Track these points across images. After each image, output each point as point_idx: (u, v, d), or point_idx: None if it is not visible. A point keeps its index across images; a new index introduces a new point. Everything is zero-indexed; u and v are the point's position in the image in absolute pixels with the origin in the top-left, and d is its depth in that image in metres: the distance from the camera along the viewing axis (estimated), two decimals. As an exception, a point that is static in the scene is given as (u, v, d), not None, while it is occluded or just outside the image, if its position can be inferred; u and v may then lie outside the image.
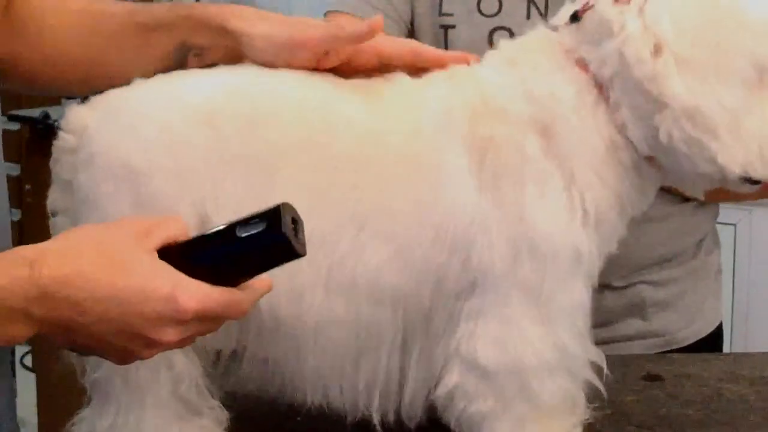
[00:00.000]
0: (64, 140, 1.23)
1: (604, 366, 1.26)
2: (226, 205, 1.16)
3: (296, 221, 1.04)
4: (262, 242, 1.02)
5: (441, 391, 1.21)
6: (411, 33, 1.68)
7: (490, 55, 1.26)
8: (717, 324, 1.77)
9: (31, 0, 1.33)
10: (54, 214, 1.24)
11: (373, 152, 1.18)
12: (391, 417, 1.24)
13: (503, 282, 1.17)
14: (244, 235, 1.01)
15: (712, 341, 1.75)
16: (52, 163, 1.24)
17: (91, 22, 1.31)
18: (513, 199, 1.17)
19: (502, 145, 1.18)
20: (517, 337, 1.18)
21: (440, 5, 1.64)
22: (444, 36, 1.64)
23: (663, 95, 1.14)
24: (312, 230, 1.09)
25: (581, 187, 1.18)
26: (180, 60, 1.27)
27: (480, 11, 1.63)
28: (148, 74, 1.25)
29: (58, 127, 1.25)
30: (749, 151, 1.15)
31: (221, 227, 1.04)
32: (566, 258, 1.18)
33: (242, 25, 1.24)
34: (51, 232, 1.24)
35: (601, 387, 1.25)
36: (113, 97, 1.24)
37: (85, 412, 1.23)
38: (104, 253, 1.00)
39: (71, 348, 1.06)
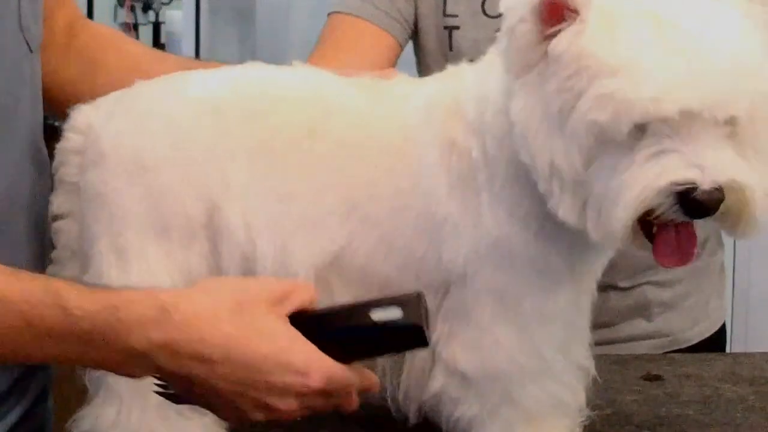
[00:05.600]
0: (70, 141, 1.24)
1: (592, 370, 1.25)
2: (233, 195, 1.18)
3: (428, 311, 1.04)
4: (395, 331, 1.03)
5: (428, 395, 1.21)
6: (415, 34, 1.68)
7: (488, 54, 1.25)
8: (721, 324, 1.77)
9: (93, 37, 1.40)
10: (56, 219, 1.24)
11: (364, 140, 1.20)
12: (390, 410, 1.25)
13: (472, 285, 1.18)
14: (379, 320, 1.02)
15: (716, 341, 1.75)
16: (55, 167, 1.24)
17: (148, 65, 1.36)
18: (472, 204, 1.17)
19: (461, 149, 1.18)
20: (492, 342, 1.18)
21: (444, 6, 1.64)
22: (448, 37, 1.64)
23: (508, 109, 1.10)
24: (307, 213, 1.15)
25: (513, 196, 1.15)
26: None
27: (485, 12, 1.62)
28: None
29: (58, 127, 1.25)
30: (586, 210, 1.07)
31: (353, 306, 1.05)
32: (522, 265, 1.17)
33: None
34: (52, 235, 1.25)
35: (584, 395, 1.25)
36: (118, 96, 1.25)
37: (87, 410, 1.23)
38: (243, 316, 0.99)
39: (181, 398, 1.05)
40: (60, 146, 1.24)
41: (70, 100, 1.29)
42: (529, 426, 1.21)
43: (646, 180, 1.02)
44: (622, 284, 1.66)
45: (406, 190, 1.18)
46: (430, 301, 1.20)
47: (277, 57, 1.33)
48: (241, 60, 1.31)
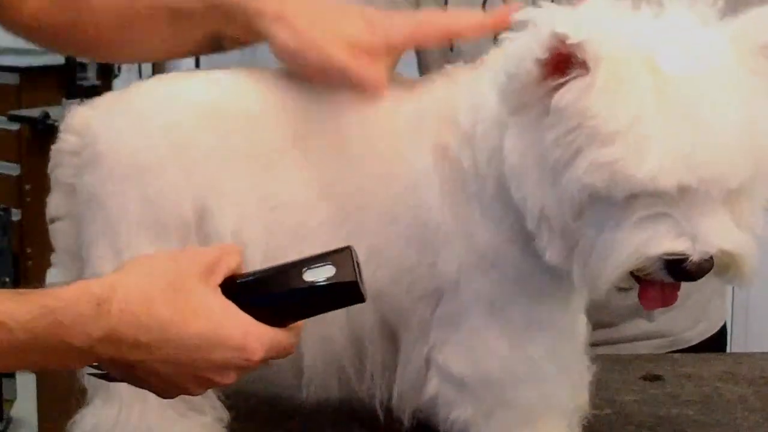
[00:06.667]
0: (65, 142, 1.23)
1: (585, 374, 1.25)
2: (228, 201, 1.18)
3: (359, 265, 1.02)
4: (330, 290, 1.00)
5: (424, 399, 1.21)
6: None
7: (489, 56, 1.23)
8: (721, 324, 1.76)
9: None
10: (54, 221, 1.24)
11: (359, 149, 1.19)
12: (381, 415, 1.25)
13: (463, 292, 1.18)
14: (312, 280, 1.00)
15: (717, 341, 1.75)
16: (51, 168, 1.24)
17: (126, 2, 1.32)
18: (464, 213, 1.16)
19: (453, 157, 1.17)
20: (483, 348, 1.18)
21: (446, 7, 1.64)
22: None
23: (501, 141, 1.09)
24: (300, 224, 1.14)
25: (501, 210, 1.14)
26: (215, 47, 1.29)
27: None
28: (178, 56, 1.33)
29: (58, 127, 1.25)
30: (574, 257, 1.07)
31: (285, 267, 1.02)
32: (509, 275, 1.16)
33: (263, 26, 1.23)
34: (51, 238, 1.24)
35: (582, 396, 1.25)
36: (115, 97, 1.25)
37: (87, 410, 1.23)
38: (177, 295, 0.98)
39: (115, 378, 1.04)
40: (56, 147, 1.23)
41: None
42: (526, 427, 1.21)
43: (636, 244, 1.02)
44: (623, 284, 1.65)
45: (398, 200, 1.18)
46: (424, 310, 1.20)
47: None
48: (241, 60, 1.31)
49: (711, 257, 1.01)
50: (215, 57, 1.34)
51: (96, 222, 1.19)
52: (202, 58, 3.86)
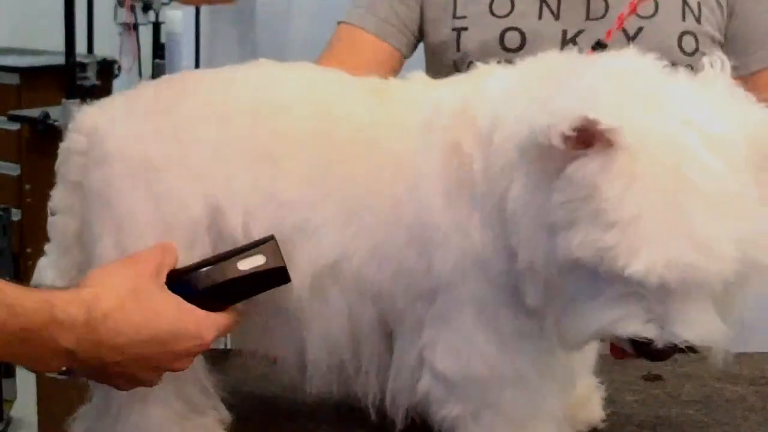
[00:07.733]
0: (73, 141, 1.24)
1: (570, 382, 1.25)
2: (235, 200, 1.18)
3: (280, 250, 1.14)
4: (264, 276, 1.14)
5: (419, 396, 1.22)
6: (417, 42, 1.69)
7: (520, 63, 1.23)
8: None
9: None
10: (54, 213, 1.25)
11: (365, 148, 1.20)
12: (373, 413, 1.25)
13: (456, 293, 1.18)
14: (247, 269, 1.14)
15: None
16: (58, 165, 1.25)
17: None
18: (465, 215, 1.16)
19: (464, 155, 1.17)
20: (470, 349, 1.18)
21: (454, 8, 1.64)
22: (456, 39, 1.64)
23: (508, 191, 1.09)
24: (306, 221, 1.17)
25: (500, 225, 1.13)
26: None
27: (492, 12, 1.63)
28: None
29: (58, 127, 1.26)
30: (551, 305, 1.08)
31: (220, 260, 1.15)
32: (500, 284, 1.16)
33: None
34: (48, 229, 1.25)
35: (563, 408, 1.24)
36: (124, 98, 1.26)
37: (87, 408, 1.23)
38: (141, 299, 1.09)
39: (78, 374, 1.12)
40: (63, 146, 1.25)
41: None
42: (513, 431, 1.21)
43: (605, 322, 1.02)
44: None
45: (402, 199, 1.18)
46: (420, 310, 1.20)
47: (277, 57, 1.32)
48: (241, 60, 1.31)
49: (675, 345, 1.02)
50: (215, 53, 1.34)
51: (102, 220, 1.20)
52: (202, 55, 3.88)
